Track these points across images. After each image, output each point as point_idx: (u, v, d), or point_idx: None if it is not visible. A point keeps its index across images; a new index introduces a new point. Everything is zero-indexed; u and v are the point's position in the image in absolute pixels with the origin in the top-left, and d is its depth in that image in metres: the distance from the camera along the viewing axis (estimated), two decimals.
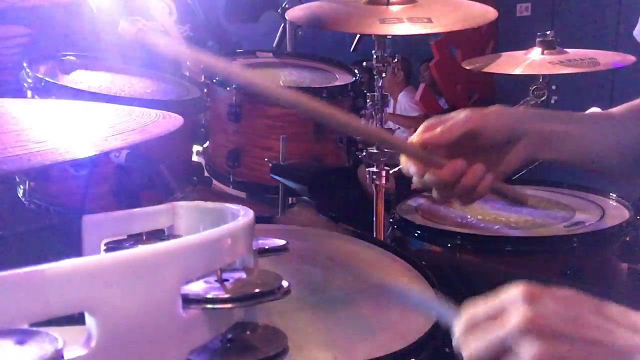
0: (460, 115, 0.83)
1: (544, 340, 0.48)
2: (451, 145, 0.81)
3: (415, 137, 0.83)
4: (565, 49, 1.76)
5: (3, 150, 0.44)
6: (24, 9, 1.59)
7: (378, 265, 1.00)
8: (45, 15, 1.64)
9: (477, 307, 0.53)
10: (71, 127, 0.60)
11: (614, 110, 0.90)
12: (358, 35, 1.87)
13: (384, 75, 1.54)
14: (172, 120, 0.60)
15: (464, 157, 0.81)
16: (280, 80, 1.60)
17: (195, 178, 1.54)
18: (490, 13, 1.46)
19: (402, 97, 5.12)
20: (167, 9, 1.88)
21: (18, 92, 1.37)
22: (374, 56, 1.54)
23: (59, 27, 1.70)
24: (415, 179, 0.82)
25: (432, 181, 0.80)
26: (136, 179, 1.22)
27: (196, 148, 1.74)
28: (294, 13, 1.55)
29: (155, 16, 1.83)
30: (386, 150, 1.53)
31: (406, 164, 0.83)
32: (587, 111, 2.09)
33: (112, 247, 0.62)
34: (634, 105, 0.89)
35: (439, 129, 0.82)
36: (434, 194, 0.82)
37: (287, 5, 1.90)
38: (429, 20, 1.37)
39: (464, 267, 1.29)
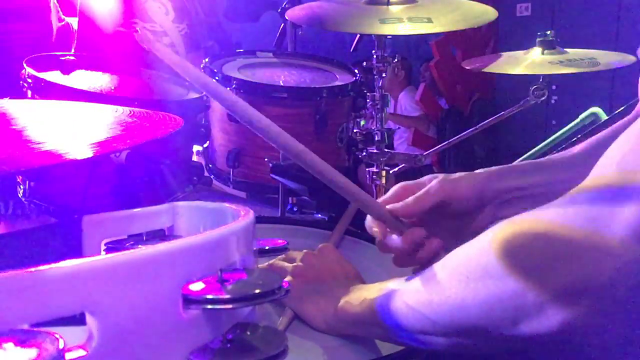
0: (430, 185, 0.85)
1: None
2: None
3: (386, 201, 0.86)
4: (565, 49, 1.76)
5: (3, 150, 0.44)
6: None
7: (378, 265, 1.00)
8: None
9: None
10: (71, 127, 0.60)
11: (577, 148, 0.91)
12: (358, 35, 1.87)
13: (384, 75, 1.54)
14: (173, 122, 0.60)
15: (432, 221, 0.84)
16: (281, 80, 1.60)
17: (195, 178, 1.54)
18: (490, 13, 1.46)
19: (402, 97, 5.12)
20: (163, 8, 1.88)
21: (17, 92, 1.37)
22: (374, 56, 1.54)
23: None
24: (376, 240, 0.84)
25: (392, 245, 0.82)
26: (136, 179, 1.22)
27: (196, 148, 1.74)
28: (294, 13, 1.55)
29: (153, 17, 1.83)
30: (383, 156, 1.53)
31: (370, 223, 0.84)
32: (587, 111, 2.09)
33: (112, 247, 0.62)
34: (597, 142, 0.91)
35: (410, 200, 0.83)
36: (393, 258, 0.85)
37: (287, 5, 1.90)
38: (429, 20, 1.37)
39: None
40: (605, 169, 0.51)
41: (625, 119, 0.94)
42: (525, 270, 0.52)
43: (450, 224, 0.87)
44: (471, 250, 0.59)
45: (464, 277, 0.57)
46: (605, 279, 0.47)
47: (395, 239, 0.82)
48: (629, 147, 0.51)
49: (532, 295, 0.51)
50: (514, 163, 0.93)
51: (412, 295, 0.63)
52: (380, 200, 0.88)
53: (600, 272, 0.47)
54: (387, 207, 0.83)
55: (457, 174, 0.88)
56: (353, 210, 1.15)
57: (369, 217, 0.86)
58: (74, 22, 1.79)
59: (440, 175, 0.88)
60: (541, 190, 0.89)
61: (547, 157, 0.95)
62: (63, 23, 1.73)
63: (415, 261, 0.82)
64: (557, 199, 0.53)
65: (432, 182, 0.87)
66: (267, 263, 0.86)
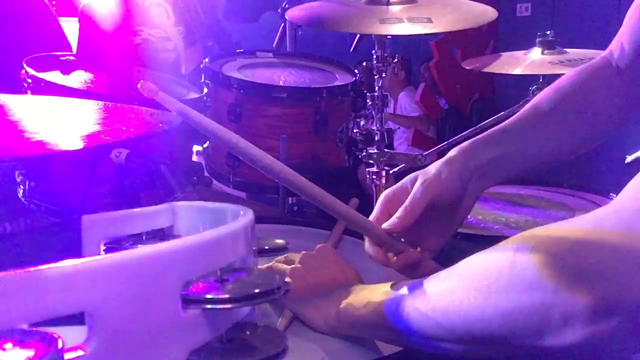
0: (415, 190, 0.87)
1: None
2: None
3: (377, 218, 0.89)
4: (565, 49, 1.76)
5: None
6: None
7: (377, 265, 1.00)
8: None
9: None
10: (71, 128, 0.60)
11: (541, 100, 0.93)
12: (358, 35, 1.87)
13: (384, 75, 1.54)
14: (172, 121, 0.60)
15: (423, 219, 0.87)
16: (281, 80, 1.60)
17: (195, 178, 1.54)
18: (490, 13, 1.46)
19: (402, 97, 5.12)
20: (165, 12, 1.88)
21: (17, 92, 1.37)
22: (374, 56, 1.54)
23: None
24: (378, 262, 0.89)
25: (392, 266, 0.88)
26: (136, 179, 1.22)
27: (196, 148, 1.74)
28: (294, 13, 1.55)
29: (157, 22, 1.83)
30: (383, 156, 1.53)
31: (369, 250, 0.88)
32: None
33: (112, 247, 0.62)
34: (562, 95, 0.93)
35: (401, 214, 0.86)
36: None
37: (287, 5, 1.90)
38: (429, 20, 1.37)
39: None
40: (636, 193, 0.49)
41: (587, 63, 0.95)
42: (554, 283, 0.49)
43: (441, 216, 0.90)
44: (491, 261, 0.56)
45: (483, 287, 0.54)
46: (638, 297, 0.45)
47: (392, 259, 0.87)
48: None
49: (560, 309, 0.48)
50: (484, 134, 0.93)
51: (424, 302, 0.61)
52: (372, 216, 0.90)
53: (635, 290, 0.45)
54: (384, 228, 0.86)
55: (434, 167, 0.89)
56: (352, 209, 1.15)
57: (367, 242, 0.88)
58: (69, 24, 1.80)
59: (419, 175, 0.89)
60: (518, 155, 0.90)
61: (516, 118, 0.95)
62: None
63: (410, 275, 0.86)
64: (592, 212, 0.52)
65: (415, 185, 0.88)
66: (265, 266, 0.86)
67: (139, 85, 0.66)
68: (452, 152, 0.90)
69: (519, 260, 0.52)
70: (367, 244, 0.88)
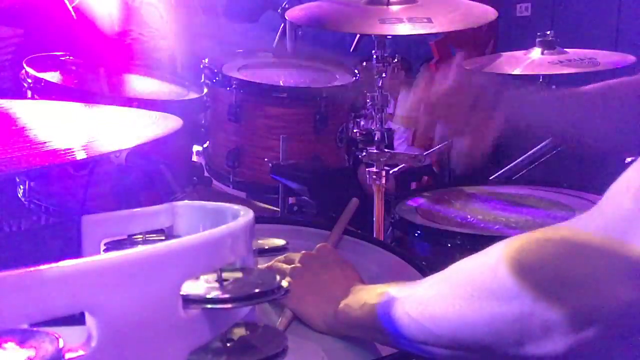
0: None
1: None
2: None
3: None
4: (565, 49, 1.76)
5: (3, 151, 0.44)
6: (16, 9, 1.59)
7: (377, 265, 1.00)
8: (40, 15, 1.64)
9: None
10: (71, 128, 0.60)
11: (586, 88, 0.94)
12: (358, 35, 1.87)
13: (384, 75, 1.54)
14: (172, 122, 0.60)
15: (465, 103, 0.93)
16: (281, 80, 1.60)
17: (195, 178, 1.54)
18: (490, 13, 1.46)
19: (402, 97, 5.11)
20: (156, 12, 1.88)
21: (15, 92, 1.37)
22: (374, 56, 1.54)
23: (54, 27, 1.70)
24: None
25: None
26: (136, 179, 1.22)
27: (196, 148, 1.74)
28: (294, 13, 1.55)
29: (149, 23, 1.83)
30: (383, 156, 1.53)
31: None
32: None
33: (112, 247, 0.62)
34: (608, 88, 0.94)
35: (437, 87, 0.93)
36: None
37: (287, 5, 1.90)
38: (429, 20, 1.37)
39: None
40: (621, 197, 0.49)
41: (632, 77, 0.96)
42: (534, 293, 0.50)
43: (478, 111, 0.95)
44: (476, 267, 0.57)
45: (468, 294, 0.55)
46: (619, 305, 0.46)
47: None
48: None
49: (539, 319, 0.49)
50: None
51: (414, 307, 0.62)
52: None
53: (614, 299, 0.46)
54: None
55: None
56: (352, 210, 1.15)
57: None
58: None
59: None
60: (549, 107, 0.96)
61: (582, 88, 0.98)
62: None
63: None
64: (570, 220, 0.53)
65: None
66: (265, 265, 0.86)
67: None
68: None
69: (501, 269, 0.52)
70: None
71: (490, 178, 1.73)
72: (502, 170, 1.77)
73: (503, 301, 0.52)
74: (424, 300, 0.61)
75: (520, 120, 0.94)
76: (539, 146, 2.06)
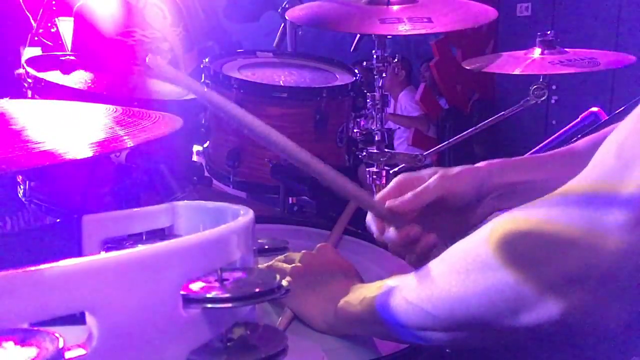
0: (430, 181, 0.87)
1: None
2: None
3: (382, 196, 0.88)
4: (565, 49, 1.76)
5: (2, 150, 0.44)
6: None
7: (377, 264, 1.00)
8: None
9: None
10: (71, 128, 0.60)
11: (579, 144, 0.92)
12: (358, 35, 1.87)
13: (384, 75, 1.55)
14: (172, 122, 0.60)
15: (430, 215, 0.86)
16: (281, 80, 1.60)
17: (195, 178, 1.54)
18: (490, 13, 1.46)
19: (402, 97, 5.12)
20: (160, 12, 1.87)
21: (16, 92, 1.37)
22: (374, 56, 1.54)
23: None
24: (375, 234, 0.88)
25: (389, 240, 0.86)
26: (136, 179, 1.22)
27: (196, 148, 1.74)
28: (294, 13, 1.55)
29: (151, 23, 1.83)
30: (383, 156, 1.54)
31: (369, 219, 0.88)
32: (587, 111, 2.09)
33: (112, 247, 0.62)
34: (598, 139, 0.92)
35: (409, 196, 0.85)
36: (389, 247, 0.89)
37: (287, 5, 1.90)
38: (429, 20, 1.37)
39: None
40: (603, 158, 0.51)
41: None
42: (523, 261, 0.52)
43: (449, 218, 0.89)
44: (470, 243, 0.59)
45: (463, 269, 0.57)
46: (605, 266, 0.47)
47: (392, 232, 0.84)
48: (624, 137, 0.50)
49: (531, 285, 0.51)
50: (515, 158, 0.94)
51: (411, 291, 0.63)
52: (381, 192, 0.90)
53: (598, 260, 0.47)
54: (387, 204, 0.85)
55: (457, 168, 0.89)
56: (352, 209, 1.15)
57: (368, 215, 0.88)
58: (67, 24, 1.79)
59: (440, 170, 0.89)
60: (539, 187, 0.89)
61: (548, 152, 0.96)
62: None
63: (409, 255, 0.86)
64: (555, 191, 0.54)
65: (432, 177, 0.88)
66: (265, 265, 0.86)
67: (147, 59, 0.66)
68: (481, 163, 0.91)
69: (492, 241, 0.54)
70: (368, 216, 0.88)
71: None
72: None
73: (496, 271, 0.53)
74: (421, 283, 0.62)
75: (510, 204, 0.92)
76: (537, 147, 2.06)
